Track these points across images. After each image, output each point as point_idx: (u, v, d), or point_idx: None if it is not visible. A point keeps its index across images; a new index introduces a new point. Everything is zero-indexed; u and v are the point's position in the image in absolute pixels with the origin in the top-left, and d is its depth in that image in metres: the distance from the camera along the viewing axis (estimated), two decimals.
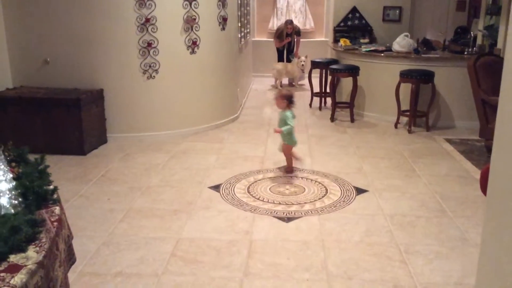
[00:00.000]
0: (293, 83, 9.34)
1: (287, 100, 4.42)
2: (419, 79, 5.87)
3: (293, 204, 3.89)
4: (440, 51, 6.56)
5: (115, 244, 3.24)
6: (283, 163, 4.78)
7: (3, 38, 5.30)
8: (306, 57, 8.77)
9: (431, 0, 8.40)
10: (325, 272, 2.90)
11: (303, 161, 4.72)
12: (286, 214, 3.71)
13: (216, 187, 4.23)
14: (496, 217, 1.69)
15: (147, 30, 5.31)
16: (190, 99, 5.78)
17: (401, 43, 6.42)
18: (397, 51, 6.42)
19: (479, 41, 6.66)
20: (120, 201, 3.94)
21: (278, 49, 9.37)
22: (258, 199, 3.99)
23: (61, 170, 4.58)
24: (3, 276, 1.37)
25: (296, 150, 4.68)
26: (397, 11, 8.22)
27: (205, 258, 3.06)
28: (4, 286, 1.32)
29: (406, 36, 6.48)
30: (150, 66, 5.44)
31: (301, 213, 3.72)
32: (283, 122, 4.43)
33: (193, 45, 5.62)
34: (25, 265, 1.43)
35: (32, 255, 1.49)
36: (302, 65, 8.80)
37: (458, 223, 3.52)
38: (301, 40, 9.39)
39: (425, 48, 6.60)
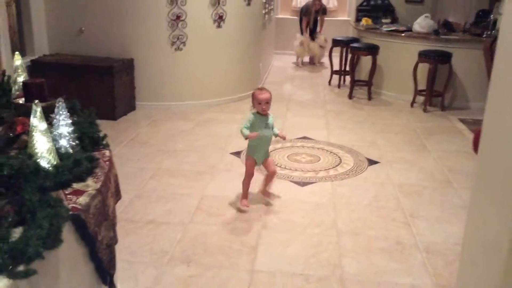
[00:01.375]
0: (315, 62, 9.52)
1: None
2: (437, 60, 6.03)
3: (308, 171, 4.18)
4: (460, 33, 6.68)
5: (146, 197, 3.58)
6: (301, 133, 5.06)
7: (41, 8, 5.62)
8: (325, 40, 8.97)
9: None
10: (335, 229, 3.20)
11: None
12: (302, 180, 4.00)
13: (237, 153, 4.53)
14: (484, 172, 1.95)
15: (177, 3, 5.58)
16: (215, 71, 6.06)
17: (421, 23, 6.56)
18: (417, 31, 6.57)
19: (499, 24, 6.75)
20: (149, 161, 4.28)
21: (301, 28, 9.50)
22: (276, 165, 4.28)
23: None
24: (70, 197, 1.69)
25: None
26: None
27: (226, 212, 3.38)
28: (72, 204, 1.65)
29: (427, 17, 6.61)
30: (178, 38, 5.72)
31: (316, 179, 4.01)
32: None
33: (219, 19, 5.87)
34: (87, 191, 1.76)
35: (91, 184, 1.81)
36: (320, 46, 8.99)
37: (461, 193, 3.76)
38: (324, 18, 9.51)
39: (445, 30, 6.71)
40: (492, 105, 1.91)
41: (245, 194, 3.47)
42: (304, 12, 9.25)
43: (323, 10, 9.36)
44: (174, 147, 4.65)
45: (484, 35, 6.34)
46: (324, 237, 3.10)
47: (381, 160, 4.47)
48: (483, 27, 6.80)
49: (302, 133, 5.16)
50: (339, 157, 4.52)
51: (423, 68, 6.23)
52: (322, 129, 5.35)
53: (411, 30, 6.69)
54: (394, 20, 8.06)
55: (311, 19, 9.23)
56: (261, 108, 3.33)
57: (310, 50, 9.22)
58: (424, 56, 6.11)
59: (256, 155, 3.39)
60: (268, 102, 3.35)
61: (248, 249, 2.93)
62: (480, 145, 1.99)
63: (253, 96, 3.41)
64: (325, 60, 8.96)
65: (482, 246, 1.90)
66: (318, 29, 9.40)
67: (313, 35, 9.33)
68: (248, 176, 3.45)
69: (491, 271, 1.74)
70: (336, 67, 7.72)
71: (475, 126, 5.54)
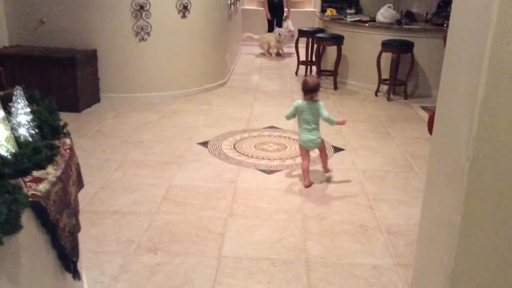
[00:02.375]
0: (280, 52, 9.57)
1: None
2: (399, 49, 6.18)
3: (275, 159, 4.23)
4: (422, 23, 6.84)
5: (111, 188, 3.56)
6: (268, 123, 5.12)
7: None
8: (290, 30, 9.07)
9: None
10: (301, 214, 3.26)
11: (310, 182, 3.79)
12: (269, 168, 4.05)
13: (204, 143, 4.54)
14: (437, 151, 2.03)
15: None
16: (181, 62, 6.03)
17: (384, 14, 6.69)
18: (380, 21, 6.69)
19: None
20: (115, 153, 4.24)
21: (269, 15, 9.49)
22: (243, 154, 4.32)
23: None
24: (30, 185, 1.68)
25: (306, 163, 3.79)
26: None
27: (193, 201, 3.40)
28: (32, 191, 1.63)
29: (389, 7, 6.74)
30: (142, 29, 5.66)
31: (282, 167, 4.06)
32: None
33: (184, 9, 5.84)
34: (47, 178, 1.74)
35: (51, 171, 1.80)
36: (279, 34, 9.10)
37: (422, 177, 3.88)
38: (290, 10, 9.54)
39: (407, 20, 6.87)
40: (444, 88, 1.99)
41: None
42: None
43: None
44: (140, 139, 4.62)
45: (445, 25, 6.52)
46: (290, 222, 3.15)
47: (345, 147, 4.56)
48: (444, 16, 6.98)
49: (269, 122, 5.20)
50: None
51: (387, 57, 6.36)
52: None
53: (374, 21, 6.81)
54: (358, 11, 8.19)
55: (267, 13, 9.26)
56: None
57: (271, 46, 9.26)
58: (387, 45, 6.24)
59: None
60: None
61: (215, 236, 2.96)
62: (433, 126, 2.07)
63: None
64: (292, 50, 9.05)
65: (437, 224, 1.99)
66: (285, 13, 9.40)
67: (281, 22, 9.30)
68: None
69: (446, 247, 1.82)
70: (302, 57, 7.79)
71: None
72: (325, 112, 3.67)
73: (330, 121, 3.71)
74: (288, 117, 3.77)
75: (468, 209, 1.67)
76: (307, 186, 3.69)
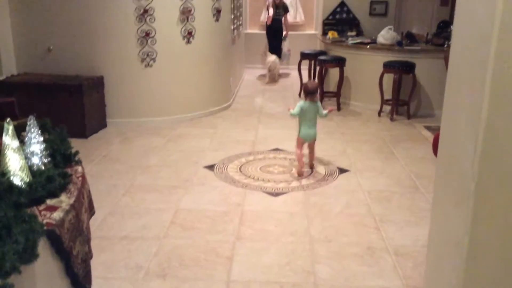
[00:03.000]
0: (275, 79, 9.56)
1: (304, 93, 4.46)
2: (401, 70, 6.25)
3: (281, 181, 4.26)
4: (423, 44, 6.93)
5: (119, 214, 3.58)
6: (273, 145, 5.16)
7: (8, 27, 5.59)
8: (288, 50, 9.20)
9: None
10: (308, 236, 3.27)
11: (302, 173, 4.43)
12: (275, 190, 4.07)
13: (211, 167, 4.58)
14: (443, 172, 2.06)
15: (145, 20, 5.63)
16: (186, 87, 6.11)
17: (385, 36, 6.79)
18: (381, 43, 6.79)
19: None
20: (122, 178, 4.28)
21: (268, 38, 9.50)
22: (249, 177, 4.35)
23: None
24: (44, 213, 1.72)
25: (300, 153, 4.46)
26: (384, 6, 8.58)
27: (201, 225, 3.42)
28: (47, 219, 1.67)
29: (390, 29, 6.85)
30: (147, 55, 5.76)
31: (288, 189, 4.09)
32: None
33: (188, 35, 5.95)
34: (60, 206, 1.78)
35: (64, 200, 1.83)
36: (270, 65, 8.98)
37: (428, 197, 3.90)
38: (291, 32, 9.63)
39: (408, 41, 6.96)
40: (448, 110, 2.03)
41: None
42: (266, 7, 9.45)
43: (284, 8, 9.35)
44: (147, 163, 4.66)
45: (446, 45, 6.60)
46: (298, 245, 3.17)
47: (351, 168, 4.58)
48: (444, 37, 7.08)
49: (274, 145, 5.25)
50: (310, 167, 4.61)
51: (389, 78, 6.43)
52: (293, 140, 5.41)
53: (375, 42, 6.91)
54: (359, 33, 8.31)
55: (273, 12, 9.21)
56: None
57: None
58: (389, 66, 6.32)
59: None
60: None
61: (223, 260, 2.97)
62: (438, 148, 2.11)
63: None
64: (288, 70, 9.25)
65: (445, 245, 2.00)
66: (284, 32, 9.41)
67: (278, 50, 9.30)
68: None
69: (454, 268, 1.83)
70: (305, 79, 7.87)
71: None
72: (323, 111, 4.45)
73: (325, 116, 4.48)
74: (295, 115, 4.42)
75: (475, 229, 1.70)
76: (300, 174, 4.34)
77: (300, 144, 4.46)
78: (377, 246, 3.15)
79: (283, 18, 9.36)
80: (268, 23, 9.36)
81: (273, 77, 9.12)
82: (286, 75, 9.66)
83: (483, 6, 1.62)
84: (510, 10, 1.47)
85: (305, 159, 4.60)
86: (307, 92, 4.37)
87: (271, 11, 9.28)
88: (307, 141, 4.48)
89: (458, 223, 1.81)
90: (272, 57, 8.98)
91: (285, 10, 9.39)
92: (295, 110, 4.36)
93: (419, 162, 4.77)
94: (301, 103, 4.37)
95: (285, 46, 9.34)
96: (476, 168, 1.62)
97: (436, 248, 2.15)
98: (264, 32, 9.87)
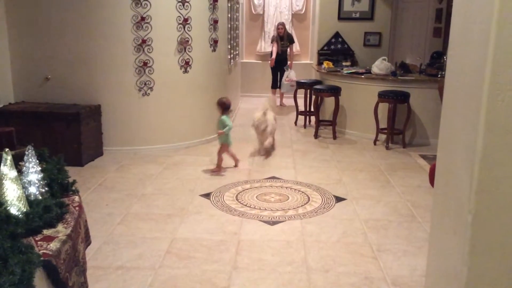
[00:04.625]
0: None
1: (221, 107, 5.29)
2: (396, 99, 6.33)
3: (277, 210, 4.24)
4: (416, 74, 7.04)
5: (115, 243, 3.55)
6: (269, 173, 5.16)
7: (6, 56, 5.65)
8: (290, 80, 8.96)
9: (409, 26, 8.95)
10: (305, 266, 3.25)
11: (238, 163, 5.46)
12: (271, 219, 4.05)
13: (207, 195, 4.57)
14: (440, 204, 2.07)
15: (143, 50, 5.70)
16: (182, 115, 6.15)
17: (379, 66, 6.90)
18: (376, 73, 6.89)
19: None
20: (118, 206, 4.26)
21: (272, 69, 9.42)
22: (246, 205, 4.33)
23: None
24: (41, 244, 1.70)
25: (234, 151, 5.45)
26: (377, 37, 8.75)
27: (197, 255, 3.39)
28: (43, 250, 1.66)
29: (384, 59, 6.96)
30: (145, 84, 5.81)
31: (285, 218, 4.07)
32: (222, 125, 5.23)
33: (186, 65, 6.02)
34: (57, 236, 1.77)
35: (61, 230, 1.83)
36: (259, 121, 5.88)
37: (425, 227, 3.89)
38: (293, 48, 9.44)
39: (402, 71, 7.07)
40: (443, 142, 2.05)
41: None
42: (272, 40, 9.33)
43: (290, 39, 9.28)
44: (143, 191, 4.64)
45: (439, 75, 6.70)
46: (295, 274, 3.14)
47: (347, 196, 4.58)
48: (437, 67, 7.19)
49: (270, 173, 5.25)
50: (307, 195, 4.61)
51: (384, 107, 6.50)
52: (289, 168, 5.46)
53: (370, 72, 7.01)
54: (354, 63, 8.45)
55: (278, 46, 9.11)
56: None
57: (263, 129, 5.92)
58: (383, 96, 6.39)
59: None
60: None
61: None
62: (435, 178, 2.12)
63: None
64: (289, 101, 9.22)
65: (443, 276, 2.00)
66: (288, 62, 9.26)
67: (283, 68, 9.08)
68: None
69: None
70: (301, 108, 7.95)
71: (435, 162, 5.78)
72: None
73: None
74: (231, 128, 5.28)
75: (473, 260, 1.70)
76: (215, 171, 5.25)
77: (228, 150, 5.35)
78: (375, 276, 3.13)
79: (288, 49, 9.31)
80: (271, 65, 9.30)
81: (263, 141, 5.91)
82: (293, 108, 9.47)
83: (477, 40, 1.67)
84: (503, 44, 1.52)
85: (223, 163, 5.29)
86: (227, 107, 5.30)
87: (274, 50, 9.21)
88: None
89: (456, 254, 1.81)
90: (258, 114, 5.92)
91: (291, 41, 9.35)
92: (230, 123, 5.25)
93: (415, 190, 4.78)
94: (226, 117, 5.26)
95: (289, 77, 8.94)
96: (473, 200, 1.64)
97: (434, 279, 2.14)
98: (260, 61, 10.00)
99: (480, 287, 1.72)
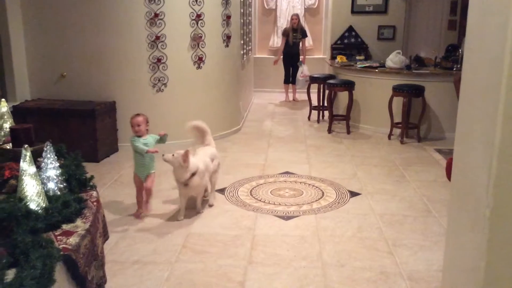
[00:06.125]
0: (293, 98, 9.54)
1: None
2: (410, 93, 6.27)
3: (292, 205, 4.25)
4: (431, 68, 6.97)
5: (131, 238, 3.59)
6: (283, 169, 5.16)
7: (22, 54, 5.72)
8: (304, 75, 8.75)
9: (424, 19, 8.85)
10: (320, 261, 3.25)
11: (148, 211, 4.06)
12: (286, 214, 4.06)
13: (221, 190, 4.58)
14: (457, 198, 2.05)
15: (157, 47, 5.73)
16: (196, 111, 6.16)
17: (393, 59, 6.83)
18: (390, 67, 6.83)
19: None
20: (133, 201, 4.29)
21: (284, 64, 9.28)
22: (260, 200, 4.34)
23: None
24: (60, 238, 1.73)
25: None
26: (391, 30, 8.67)
27: (212, 249, 3.41)
28: (63, 244, 1.68)
29: (398, 53, 6.90)
30: (159, 80, 5.85)
31: (300, 213, 4.08)
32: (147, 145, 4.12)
33: (199, 61, 6.04)
34: (76, 231, 1.80)
35: (80, 225, 1.85)
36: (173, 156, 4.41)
37: (441, 221, 3.86)
38: (306, 43, 9.31)
39: (417, 65, 7.00)
40: (461, 136, 2.03)
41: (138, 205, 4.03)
42: (284, 34, 9.15)
43: (303, 33, 9.12)
44: (158, 187, 4.67)
45: (454, 69, 6.63)
46: (310, 269, 3.14)
47: (362, 191, 4.57)
48: (452, 60, 7.11)
49: (284, 168, 5.25)
50: (321, 190, 4.60)
51: (398, 101, 6.45)
52: (303, 163, 5.45)
53: (384, 66, 6.95)
54: (368, 57, 8.38)
55: (290, 38, 8.94)
56: (134, 130, 4.05)
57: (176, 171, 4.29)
58: (398, 90, 6.34)
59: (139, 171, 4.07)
60: (139, 124, 4.08)
61: (235, 285, 2.95)
62: (452, 173, 2.11)
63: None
64: (303, 96, 9.19)
65: (461, 270, 1.98)
66: (300, 56, 9.11)
67: (297, 64, 8.97)
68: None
69: None
70: (314, 102, 7.92)
71: (451, 156, 5.72)
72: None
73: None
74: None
75: (491, 255, 1.68)
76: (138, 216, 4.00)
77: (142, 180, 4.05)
78: (391, 271, 3.12)
79: (300, 43, 9.17)
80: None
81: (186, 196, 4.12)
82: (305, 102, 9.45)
83: (494, 32, 1.65)
84: None
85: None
86: (132, 125, 4.10)
87: (282, 45, 9.10)
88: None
89: (474, 248, 1.79)
90: (169, 156, 4.23)
91: (303, 34, 9.17)
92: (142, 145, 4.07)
93: (431, 185, 4.75)
94: (146, 139, 4.17)
95: (303, 72, 8.81)
96: (491, 195, 1.62)
97: (451, 274, 2.13)
98: (273, 56, 9.98)
99: (498, 282, 1.71)
